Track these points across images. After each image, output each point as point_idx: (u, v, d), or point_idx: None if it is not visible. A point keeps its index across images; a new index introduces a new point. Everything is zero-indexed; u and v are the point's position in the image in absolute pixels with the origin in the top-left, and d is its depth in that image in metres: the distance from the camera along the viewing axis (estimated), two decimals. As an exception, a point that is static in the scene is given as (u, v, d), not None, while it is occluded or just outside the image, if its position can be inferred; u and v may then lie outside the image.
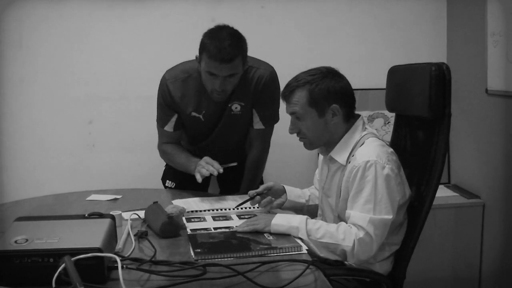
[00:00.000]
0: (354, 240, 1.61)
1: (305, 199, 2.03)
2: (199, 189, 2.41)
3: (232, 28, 2.07)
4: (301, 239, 1.63)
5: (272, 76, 2.22)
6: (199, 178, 2.09)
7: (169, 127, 2.29)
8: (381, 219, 1.62)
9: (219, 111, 2.23)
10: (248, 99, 2.21)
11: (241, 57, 2.04)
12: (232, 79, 2.06)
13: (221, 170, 2.05)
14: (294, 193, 2.01)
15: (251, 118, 2.29)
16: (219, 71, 2.01)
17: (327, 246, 1.64)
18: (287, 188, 2.01)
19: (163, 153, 2.39)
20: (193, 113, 2.23)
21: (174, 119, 2.27)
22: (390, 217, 1.63)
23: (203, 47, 2.04)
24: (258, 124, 2.30)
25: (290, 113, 1.79)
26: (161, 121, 2.30)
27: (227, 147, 2.39)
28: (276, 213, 1.77)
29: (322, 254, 1.65)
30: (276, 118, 2.32)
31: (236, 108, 2.22)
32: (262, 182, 2.43)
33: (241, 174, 2.41)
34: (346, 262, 1.71)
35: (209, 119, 2.25)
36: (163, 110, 2.27)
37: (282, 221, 1.67)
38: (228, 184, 2.53)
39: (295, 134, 1.83)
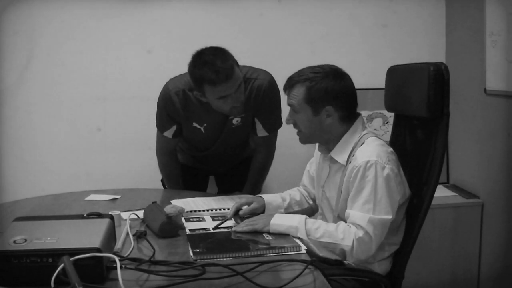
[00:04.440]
0: (353, 240, 1.61)
1: (284, 207, 1.96)
2: (198, 189, 2.42)
3: (210, 47, 2.00)
4: (300, 238, 1.63)
5: (271, 84, 2.18)
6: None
7: (168, 134, 2.28)
8: (381, 219, 1.62)
9: (220, 124, 2.22)
10: (249, 110, 2.19)
11: (235, 64, 2.00)
12: (240, 88, 2.02)
13: None
14: (273, 205, 1.94)
15: (252, 124, 2.27)
16: (229, 89, 1.96)
17: (327, 245, 1.64)
18: (266, 200, 1.94)
19: (160, 161, 2.40)
20: (195, 124, 2.22)
21: (174, 128, 2.26)
22: (390, 217, 1.64)
23: (200, 81, 1.97)
24: (261, 132, 2.29)
25: (288, 104, 1.80)
26: (161, 127, 2.29)
27: (228, 153, 2.40)
28: (275, 213, 1.77)
29: (322, 253, 1.65)
30: (278, 124, 2.30)
31: (237, 121, 2.21)
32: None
33: (240, 175, 2.41)
34: (345, 262, 1.71)
35: (210, 131, 2.24)
36: (163, 119, 2.26)
37: (281, 220, 1.67)
38: (227, 184, 2.54)
39: (294, 132, 1.83)
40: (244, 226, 1.69)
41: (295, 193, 2.04)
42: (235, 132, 2.26)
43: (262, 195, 1.97)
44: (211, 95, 1.99)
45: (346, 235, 1.63)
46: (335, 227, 1.66)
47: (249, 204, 1.90)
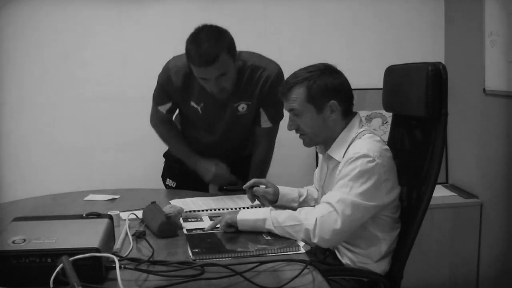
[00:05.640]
0: (316, 218, 1.59)
1: (298, 202, 2.00)
2: (200, 188, 2.41)
3: (210, 26, 2.01)
4: (269, 233, 1.62)
5: (279, 76, 2.19)
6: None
7: (162, 109, 2.29)
8: (353, 200, 1.60)
9: (220, 107, 2.22)
10: (255, 98, 2.20)
11: (226, 52, 1.97)
12: (225, 77, 2.02)
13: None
14: (287, 198, 1.98)
15: (256, 116, 2.28)
16: (207, 74, 1.98)
17: (292, 228, 1.62)
18: (281, 191, 1.98)
19: (157, 131, 2.41)
20: (192, 103, 2.23)
21: (169, 104, 2.28)
22: (365, 202, 1.61)
23: (187, 55, 2.00)
24: (266, 123, 2.29)
25: (288, 109, 1.78)
26: (157, 99, 2.31)
27: (232, 146, 2.40)
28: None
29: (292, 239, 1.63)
30: (281, 115, 2.31)
31: (243, 108, 2.21)
32: None
33: (240, 173, 2.41)
34: (343, 262, 1.71)
35: (208, 112, 2.24)
36: (160, 94, 2.28)
37: (247, 216, 1.67)
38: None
39: (294, 133, 1.82)
40: (213, 224, 1.70)
41: (313, 190, 2.06)
42: (241, 122, 2.26)
43: (279, 186, 1.99)
44: (194, 72, 2.03)
45: (309, 216, 1.61)
46: (299, 210, 1.66)
47: (266, 186, 1.96)
